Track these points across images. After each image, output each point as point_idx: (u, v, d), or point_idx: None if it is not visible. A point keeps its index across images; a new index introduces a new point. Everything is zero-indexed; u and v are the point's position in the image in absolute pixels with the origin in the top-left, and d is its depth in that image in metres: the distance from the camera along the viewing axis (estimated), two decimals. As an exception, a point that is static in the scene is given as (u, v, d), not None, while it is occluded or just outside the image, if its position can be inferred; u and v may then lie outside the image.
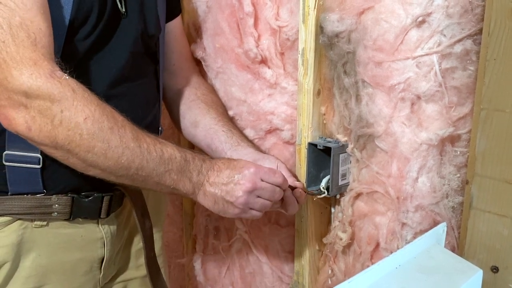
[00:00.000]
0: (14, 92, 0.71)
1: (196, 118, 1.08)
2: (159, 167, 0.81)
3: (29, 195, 0.85)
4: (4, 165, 0.83)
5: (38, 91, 0.71)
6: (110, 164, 0.77)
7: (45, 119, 0.72)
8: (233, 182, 0.86)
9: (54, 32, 0.77)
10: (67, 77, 0.74)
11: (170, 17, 1.08)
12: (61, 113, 0.72)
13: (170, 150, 0.83)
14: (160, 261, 1.06)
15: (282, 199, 0.93)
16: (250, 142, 1.07)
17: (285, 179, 0.91)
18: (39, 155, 0.83)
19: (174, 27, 1.11)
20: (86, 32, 0.83)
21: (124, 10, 0.88)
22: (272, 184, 0.89)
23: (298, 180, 0.99)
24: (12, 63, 0.70)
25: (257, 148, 1.06)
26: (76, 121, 0.73)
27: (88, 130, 0.74)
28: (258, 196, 0.88)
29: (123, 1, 0.88)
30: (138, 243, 1.05)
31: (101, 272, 0.97)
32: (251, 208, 0.89)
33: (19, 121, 0.72)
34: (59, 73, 0.73)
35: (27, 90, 0.71)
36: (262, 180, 0.88)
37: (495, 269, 0.79)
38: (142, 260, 1.02)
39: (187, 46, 1.17)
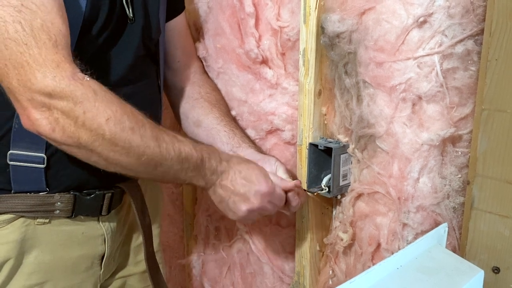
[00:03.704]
0: (37, 94, 0.71)
1: (199, 117, 1.09)
2: (176, 165, 0.83)
3: (32, 193, 0.86)
4: (8, 164, 0.84)
5: (62, 93, 0.71)
6: (131, 162, 0.78)
7: (68, 120, 0.72)
8: (243, 196, 0.89)
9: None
10: (88, 79, 0.75)
11: (173, 14, 1.09)
12: (84, 115, 0.73)
13: (187, 149, 0.84)
14: (158, 257, 1.07)
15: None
16: (252, 142, 1.08)
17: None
18: (43, 155, 0.84)
19: (178, 24, 1.11)
20: (93, 36, 0.84)
21: (132, 15, 0.89)
22: (276, 205, 0.93)
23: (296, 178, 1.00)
24: (36, 65, 0.70)
25: (258, 149, 1.06)
26: (98, 121, 0.74)
27: (110, 130, 0.74)
28: (259, 213, 0.92)
29: (130, 6, 0.89)
30: (136, 239, 1.06)
31: (101, 268, 0.98)
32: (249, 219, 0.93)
33: (43, 122, 0.72)
34: (80, 74, 0.74)
35: (51, 92, 0.71)
36: (269, 202, 0.91)
37: (496, 270, 0.79)
38: (141, 256, 1.03)
39: (191, 43, 1.17)
